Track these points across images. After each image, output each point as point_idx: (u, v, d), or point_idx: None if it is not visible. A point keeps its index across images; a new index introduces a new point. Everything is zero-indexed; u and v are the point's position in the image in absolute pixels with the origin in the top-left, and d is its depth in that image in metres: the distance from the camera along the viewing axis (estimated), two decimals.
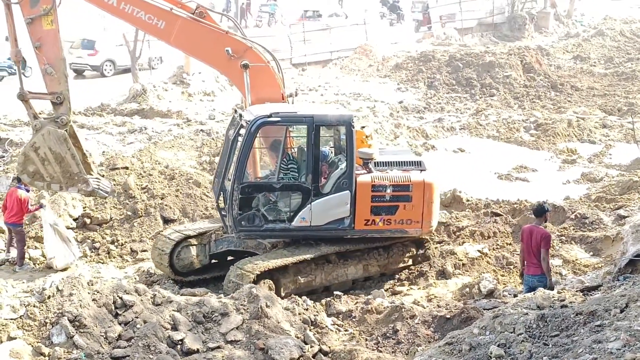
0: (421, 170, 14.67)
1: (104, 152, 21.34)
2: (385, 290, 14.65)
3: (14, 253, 15.86)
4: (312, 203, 13.88)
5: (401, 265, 15.31)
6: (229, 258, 15.29)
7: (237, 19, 54.94)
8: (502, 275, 15.09)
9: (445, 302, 13.56)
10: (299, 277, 13.94)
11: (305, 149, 13.96)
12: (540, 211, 12.39)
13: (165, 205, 18.20)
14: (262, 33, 46.12)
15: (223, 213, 14.33)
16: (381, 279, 15.27)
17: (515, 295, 13.05)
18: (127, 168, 19.56)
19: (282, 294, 13.58)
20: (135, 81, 33.31)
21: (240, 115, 14.14)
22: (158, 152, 21.56)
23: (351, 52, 43.83)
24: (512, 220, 17.46)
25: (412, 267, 15.49)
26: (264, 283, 13.42)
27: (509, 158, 25.66)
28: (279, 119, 13.71)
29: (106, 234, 17.51)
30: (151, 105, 29.18)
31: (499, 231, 17.07)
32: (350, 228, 14.19)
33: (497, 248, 16.42)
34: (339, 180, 13.99)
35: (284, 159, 14.10)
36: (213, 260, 15.38)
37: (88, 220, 17.95)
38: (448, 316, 12.13)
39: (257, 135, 13.74)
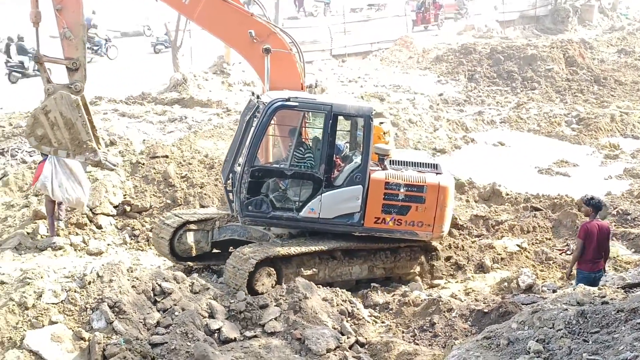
0: (437, 173, 14.17)
1: (144, 140, 21.50)
2: (422, 283, 14.61)
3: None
4: (323, 194, 13.52)
5: (408, 270, 14.80)
6: (231, 249, 14.84)
7: (296, 8, 55.24)
8: (542, 271, 14.96)
9: (483, 296, 13.49)
10: (302, 270, 13.51)
11: (321, 137, 13.65)
12: (600, 205, 12.21)
13: (205, 194, 18.30)
14: (314, 23, 45.94)
15: (230, 197, 14.05)
16: (385, 282, 14.75)
17: (554, 291, 12.95)
18: (167, 156, 19.69)
19: (284, 285, 13.18)
20: (176, 70, 33.51)
21: (258, 97, 13.96)
22: (198, 141, 21.66)
23: (392, 43, 43.63)
24: (552, 215, 17.29)
25: (417, 275, 14.95)
26: (265, 270, 13.09)
27: (549, 152, 25.38)
28: (297, 103, 13.41)
29: (146, 222, 17.65)
30: (191, 94, 29.31)
31: (539, 226, 16.92)
32: (360, 225, 13.78)
33: (536, 243, 16.30)
34: (353, 173, 13.62)
35: (298, 146, 13.80)
36: (215, 250, 15.13)
37: (128, 208, 18.10)
38: (486, 310, 12.07)
39: (273, 118, 13.47)
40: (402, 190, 13.75)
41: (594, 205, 12.37)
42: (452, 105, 32.03)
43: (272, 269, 13.19)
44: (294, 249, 13.38)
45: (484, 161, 23.78)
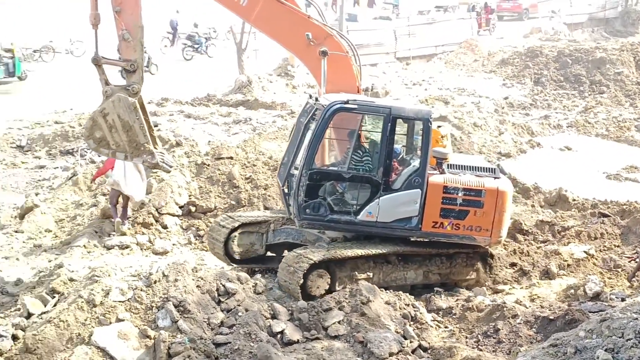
0: (495, 177, 13.97)
1: (209, 141, 21.72)
2: (486, 289, 14.45)
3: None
4: (381, 198, 13.41)
5: (464, 277, 14.58)
6: (285, 253, 14.54)
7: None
8: (609, 278, 14.66)
9: (548, 302, 13.26)
10: (356, 273, 13.42)
11: (379, 140, 13.55)
12: None
13: (268, 195, 18.42)
14: (379, 25, 45.84)
15: (288, 200, 13.99)
16: (448, 287, 14.57)
17: (623, 299, 12.68)
18: (231, 158, 19.87)
19: (337, 288, 13.15)
20: (241, 72, 33.81)
21: (316, 99, 13.91)
22: (262, 142, 21.80)
23: (456, 46, 43.32)
24: (621, 222, 16.94)
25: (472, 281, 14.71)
26: (319, 273, 13.03)
27: (618, 157, 24.88)
28: (355, 106, 13.32)
29: (210, 222, 17.83)
30: (256, 96, 29.53)
31: (607, 232, 16.60)
32: (417, 229, 13.65)
33: (604, 250, 15.98)
34: (411, 177, 13.49)
35: (357, 149, 13.71)
36: (269, 254, 15.09)
37: (193, 208, 18.32)
38: (551, 317, 11.86)
39: (332, 121, 13.39)
40: (460, 194, 13.61)
41: None
42: (517, 109, 31.67)
43: (326, 272, 13.14)
44: (350, 252, 13.30)
45: (550, 166, 23.44)
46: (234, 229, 14.56)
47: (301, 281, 12.68)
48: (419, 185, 13.47)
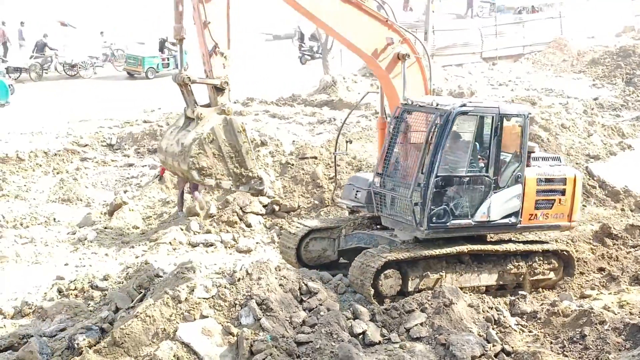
0: (564, 165, 14.77)
1: (294, 141, 21.90)
2: (572, 293, 14.14)
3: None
4: (492, 196, 13.51)
5: (540, 277, 14.33)
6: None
7: (465, 9, 55.00)
8: None
9: (638, 309, 12.89)
10: (429, 273, 13.22)
11: (489, 140, 13.52)
12: None
13: None
14: (465, 25, 45.33)
15: (416, 211, 13.40)
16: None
17: None
18: (315, 158, 19.98)
19: (410, 289, 12.99)
20: (326, 73, 33.93)
21: (437, 105, 13.64)
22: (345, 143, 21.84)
23: (545, 46, 42.51)
24: None
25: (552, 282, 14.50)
26: (390, 273, 12.88)
27: None
28: (472, 108, 13.41)
29: (294, 222, 17.96)
30: (340, 96, 29.60)
31: None
32: (518, 223, 13.87)
33: None
34: (514, 173, 13.66)
35: (473, 151, 13.68)
36: (342, 260, 14.94)
37: (277, 208, 18.49)
38: None
39: (453, 125, 13.30)
40: (550, 185, 14.13)
41: None
42: (607, 110, 30.87)
43: (398, 272, 13.03)
44: (425, 252, 13.20)
45: None
46: (305, 236, 14.60)
47: (372, 280, 12.58)
48: (520, 181, 13.72)
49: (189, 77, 11.89)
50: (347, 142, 17.56)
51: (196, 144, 11.66)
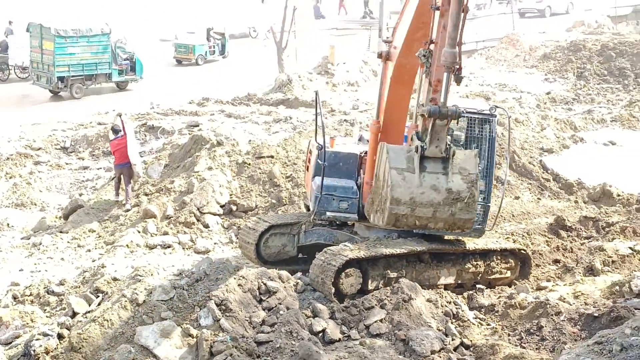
0: None
1: (250, 140, 21.81)
2: (529, 285, 14.31)
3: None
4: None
5: (498, 276, 14.42)
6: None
7: None
8: None
9: (593, 299, 13.09)
10: (388, 272, 13.24)
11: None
12: None
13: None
14: None
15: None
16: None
17: None
18: (272, 157, 19.94)
19: (370, 287, 13.00)
20: (281, 71, 33.89)
21: (495, 108, 13.65)
22: (302, 141, 21.82)
23: (497, 42, 42.93)
24: None
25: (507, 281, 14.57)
26: (351, 272, 12.88)
27: None
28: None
29: (252, 218, 17.91)
30: (296, 95, 29.58)
31: None
32: None
33: None
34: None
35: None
36: (301, 255, 15.02)
37: (234, 208, 18.43)
38: (596, 314, 11.71)
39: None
40: None
41: None
42: (560, 104, 31.27)
43: (359, 270, 13.02)
44: (386, 250, 13.20)
45: (594, 161, 23.09)
46: (265, 231, 14.62)
47: (333, 278, 12.58)
48: None
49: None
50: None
51: (475, 187, 10.02)
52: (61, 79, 31.55)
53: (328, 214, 13.92)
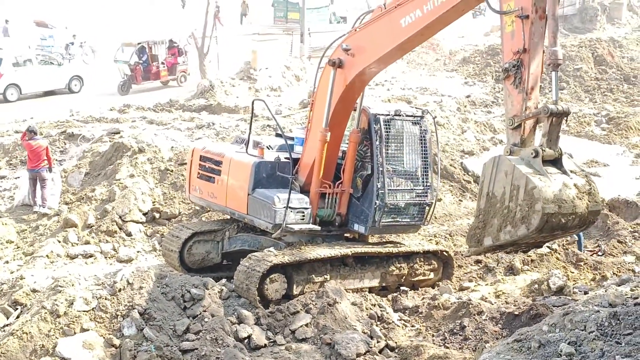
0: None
1: (172, 147, 21.60)
2: (452, 286, 14.52)
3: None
4: None
5: (422, 278, 14.54)
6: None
7: None
8: (572, 272, 14.80)
9: (513, 298, 13.37)
10: (313, 276, 13.25)
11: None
12: None
13: None
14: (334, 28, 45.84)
15: None
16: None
17: (585, 293, 12.83)
18: None
19: (295, 292, 13.00)
20: (203, 77, 33.69)
21: None
22: None
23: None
24: None
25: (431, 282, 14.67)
26: (276, 277, 12.84)
27: (579, 152, 25.04)
28: None
29: (176, 225, 17.73)
30: (218, 100, 29.46)
31: None
32: None
33: (566, 244, 16.12)
34: None
35: None
36: (225, 262, 15.00)
37: (157, 215, 18.22)
38: (516, 313, 11.97)
39: None
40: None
41: None
42: (479, 107, 31.91)
43: (284, 276, 13.00)
44: (310, 254, 13.20)
45: None
46: (189, 239, 14.49)
47: (257, 284, 12.53)
48: None
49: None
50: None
51: (592, 181, 9.91)
52: None
53: (295, 227, 13.40)
